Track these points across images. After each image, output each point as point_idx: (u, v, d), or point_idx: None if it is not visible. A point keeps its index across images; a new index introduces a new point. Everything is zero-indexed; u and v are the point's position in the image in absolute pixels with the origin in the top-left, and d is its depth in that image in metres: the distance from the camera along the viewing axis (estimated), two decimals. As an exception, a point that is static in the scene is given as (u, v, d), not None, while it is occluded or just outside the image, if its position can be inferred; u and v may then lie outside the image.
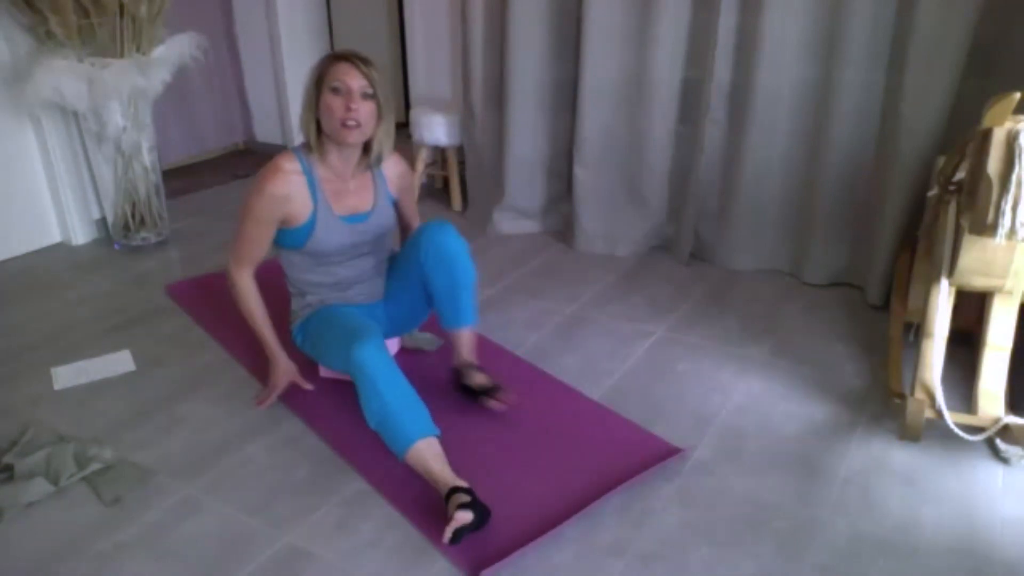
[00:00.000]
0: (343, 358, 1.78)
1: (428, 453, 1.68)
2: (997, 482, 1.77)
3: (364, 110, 1.82)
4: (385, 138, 1.92)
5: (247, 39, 4.32)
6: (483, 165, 3.33)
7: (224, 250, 3.09)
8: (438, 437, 1.72)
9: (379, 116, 1.86)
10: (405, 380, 1.76)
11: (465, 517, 1.52)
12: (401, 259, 2.09)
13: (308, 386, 2.08)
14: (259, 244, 1.93)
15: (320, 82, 1.83)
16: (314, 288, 2.05)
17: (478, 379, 2.01)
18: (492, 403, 1.98)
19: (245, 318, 2.02)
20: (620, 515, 1.67)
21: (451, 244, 1.96)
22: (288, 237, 1.95)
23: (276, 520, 1.67)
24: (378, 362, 1.73)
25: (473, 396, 2.02)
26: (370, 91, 1.81)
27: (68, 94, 2.74)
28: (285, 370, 2.06)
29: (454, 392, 2.06)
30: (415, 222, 2.21)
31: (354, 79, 1.80)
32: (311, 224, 1.91)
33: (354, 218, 1.97)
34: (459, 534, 1.51)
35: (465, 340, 2.04)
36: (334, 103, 1.80)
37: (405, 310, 2.12)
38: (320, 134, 1.88)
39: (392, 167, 2.05)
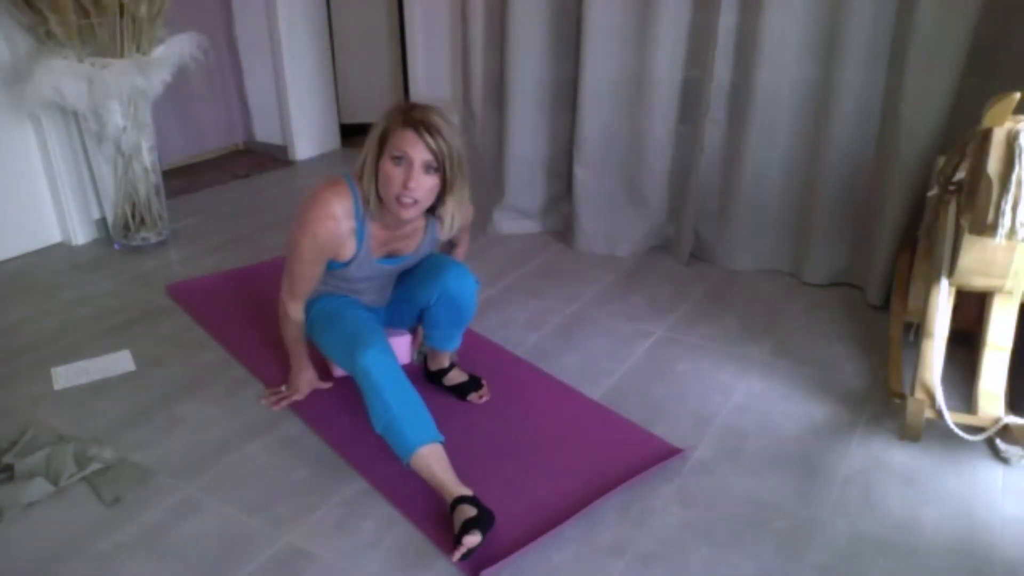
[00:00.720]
0: (348, 360, 1.78)
1: (432, 459, 1.67)
2: (997, 482, 1.77)
3: (424, 186, 1.67)
4: (457, 210, 1.79)
5: (247, 39, 4.32)
6: (483, 165, 3.33)
7: (224, 250, 3.10)
8: (442, 443, 1.71)
9: (444, 188, 1.72)
10: (410, 385, 1.75)
11: (473, 540, 1.51)
12: (413, 282, 2.00)
13: (327, 385, 2.10)
14: (312, 280, 1.89)
15: (383, 142, 1.69)
16: (324, 288, 2.05)
17: (457, 379, 2.11)
18: (473, 397, 2.07)
19: (284, 340, 2.03)
20: (620, 515, 1.67)
21: (466, 294, 1.92)
22: (331, 262, 1.91)
23: (276, 520, 1.67)
24: (384, 368, 1.72)
25: (453, 394, 2.10)
26: (435, 165, 1.67)
27: (68, 94, 2.74)
28: (309, 380, 2.08)
29: (428, 383, 2.14)
30: (463, 244, 2.18)
31: (418, 151, 1.64)
32: (349, 263, 1.87)
33: (392, 260, 1.93)
34: (468, 554, 1.52)
35: (447, 354, 2.13)
36: (393, 174, 1.67)
37: (400, 318, 2.12)
38: (379, 195, 1.75)
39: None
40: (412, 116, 1.65)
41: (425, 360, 2.17)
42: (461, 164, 1.71)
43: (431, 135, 1.64)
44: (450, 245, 2.21)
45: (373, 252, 1.88)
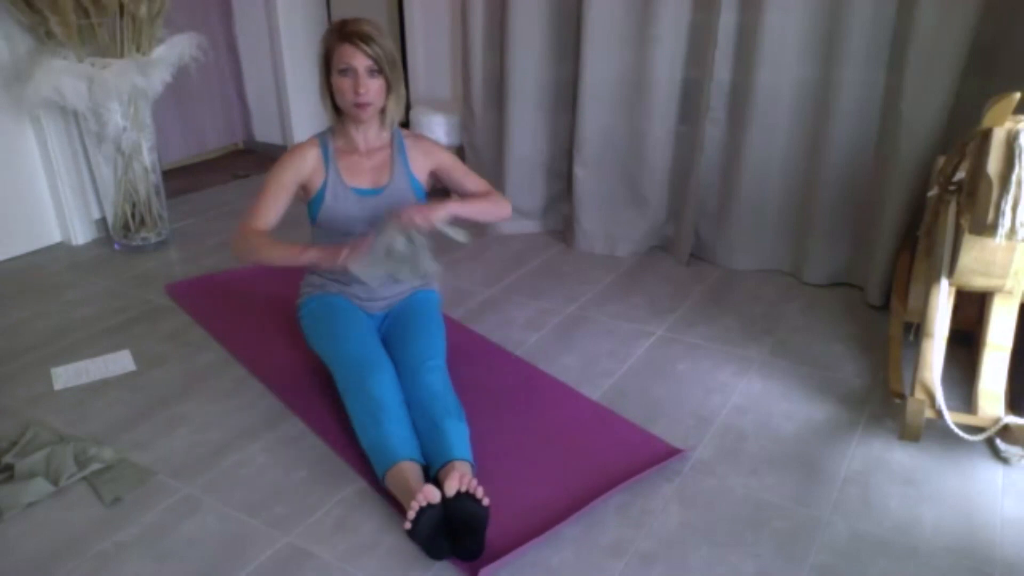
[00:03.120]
0: (352, 383, 1.84)
1: (409, 472, 1.65)
2: (997, 482, 1.77)
3: (373, 88, 1.87)
4: (395, 106, 1.96)
5: (247, 39, 4.32)
6: (483, 165, 3.33)
7: (224, 250, 3.10)
8: (423, 467, 1.71)
9: (388, 88, 1.91)
10: (405, 412, 1.81)
11: (432, 494, 1.51)
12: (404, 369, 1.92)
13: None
14: (271, 203, 1.94)
15: (328, 62, 1.88)
16: (320, 273, 2.07)
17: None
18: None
19: (254, 255, 1.91)
20: (620, 515, 1.67)
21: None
22: (311, 208, 2.01)
23: (276, 520, 1.66)
24: (391, 397, 1.80)
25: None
26: (376, 68, 1.86)
27: (68, 94, 2.74)
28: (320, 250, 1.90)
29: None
30: (482, 187, 2.10)
31: (359, 60, 1.83)
32: (322, 192, 1.97)
33: (367, 191, 1.99)
34: (422, 521, 1.49)
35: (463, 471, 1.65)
36: (343, 85, 1.86)
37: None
38: (337, 109, 1.95)
39: (414, 144, 2.07)
40: (346, 31, 1.84)
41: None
42: (396, 64, 1.91)
43: (367, 43, 1.83)
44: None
45: (345, 178, 1.97)
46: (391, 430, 1.72)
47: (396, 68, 1.91)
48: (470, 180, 2.13)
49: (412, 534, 1.52)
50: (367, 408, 1.78)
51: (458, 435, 1.73)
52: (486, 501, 1.54)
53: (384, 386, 1.81)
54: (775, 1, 2.50)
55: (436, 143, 2.14)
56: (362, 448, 1.77)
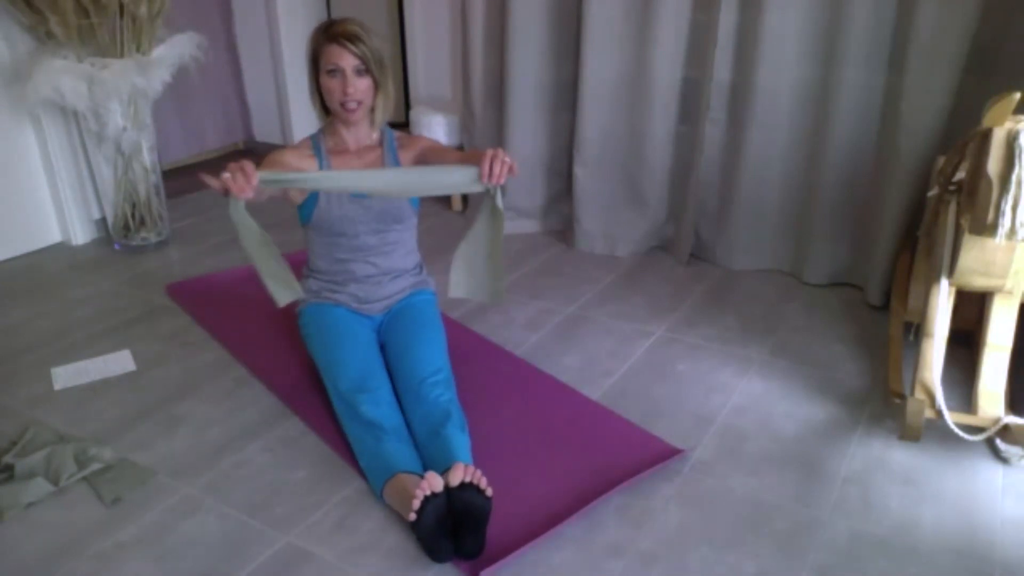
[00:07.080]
0: (348, 408, 1.83)
1: (410, 480, 1.63)
2: (997, 482, 1.77)
3: (361, 87, 1.88)
4: (384, 105, 1.97)
5: (246, 39, 4.32)
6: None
7: (224, 250, 3.11)
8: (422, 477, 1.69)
9: (376, 87, 1.91)
10: (406, 430, 1.81)
11: (436, 482, 1.51)
12: (403, 380, 1.93)
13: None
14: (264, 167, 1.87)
15: (316, 62, 1.89)
16: (317, 274, 2.08)
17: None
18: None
19: None
20: (620, 515, 1.67)
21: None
22: (302, 210, 2.01)
23: (276, 520, 1.67)
24: (390, 419, 1.79)
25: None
26: (363, 67, 1.86)
27: (68, 94, 2.74)
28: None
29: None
30: (464, 157, 1.90)
31: (346, 60, 1.84)
32: (316, 192, 1.97)
33: (360, 192, 1.97)
34: (427, 511, 1.49)
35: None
36: (332, 85, 1.87)
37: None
38: (326, 109, 1.96)
39: (403, 142, 2.05)
40: (333, 31, 1.85)
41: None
42: (383, 63, 1.91)
43: (353, 43, 1.84)
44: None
45: None
46: (391, 447, 1.72)
47: (383, 67, 1.90)
48: (452, 154, 1.97)
49: (417, 525, 1.51)
50: (366, 430, 1.78)
51: (460, 443, 1.74)
52: (489, 492, 1.55)
53: (382, 408, 1.81)
54: (775, 1, 2.50)
55: (417, 137, 2.11)
56: (360, 466, 1.77)
